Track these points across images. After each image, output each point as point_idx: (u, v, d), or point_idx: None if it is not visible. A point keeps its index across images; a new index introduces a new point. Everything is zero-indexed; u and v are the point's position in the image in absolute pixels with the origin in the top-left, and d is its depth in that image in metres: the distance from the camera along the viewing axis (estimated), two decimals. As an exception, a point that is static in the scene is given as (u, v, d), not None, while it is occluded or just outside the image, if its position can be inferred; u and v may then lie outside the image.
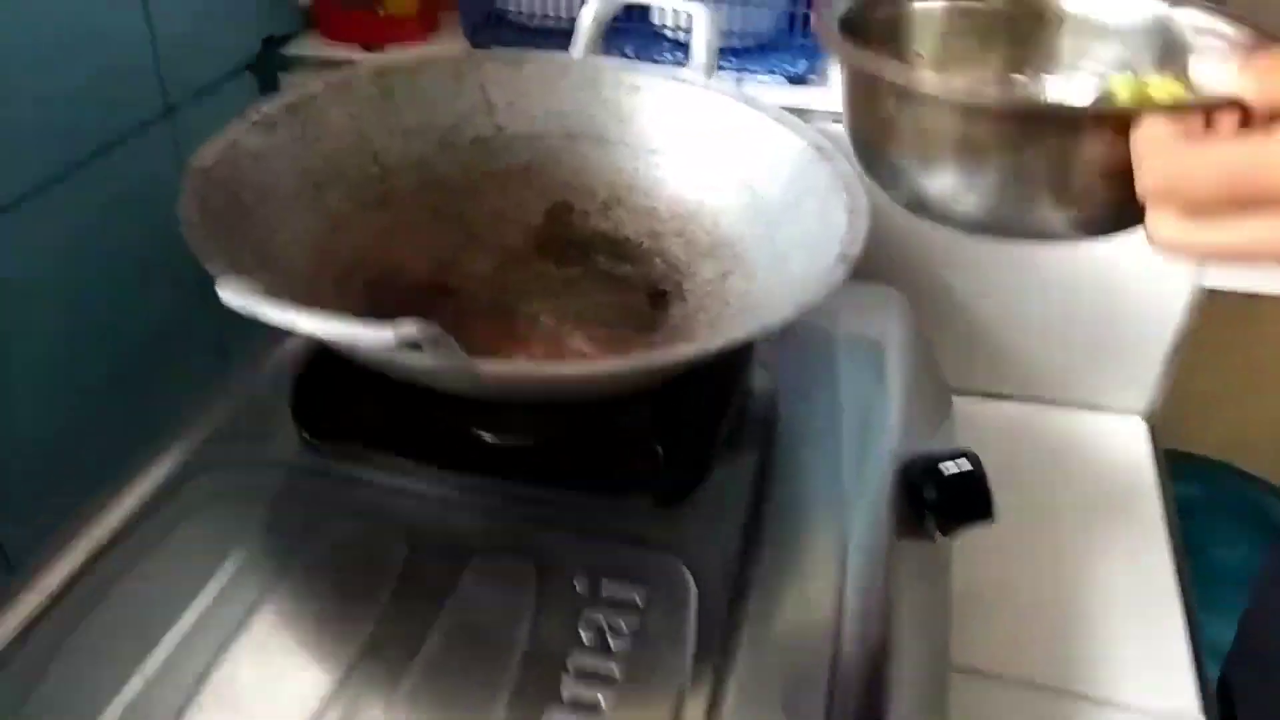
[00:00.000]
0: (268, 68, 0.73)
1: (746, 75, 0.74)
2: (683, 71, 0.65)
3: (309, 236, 0.55)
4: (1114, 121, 0.37)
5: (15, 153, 0.54)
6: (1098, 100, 0.47)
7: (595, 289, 0.62)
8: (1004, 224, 0.42)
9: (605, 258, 0.64)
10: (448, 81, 0.64)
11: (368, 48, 0.74)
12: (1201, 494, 1.19)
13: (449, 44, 0.76)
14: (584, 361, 0.40)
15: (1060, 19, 0.50)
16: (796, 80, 0.73)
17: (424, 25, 0.76)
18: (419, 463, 0.49)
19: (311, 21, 0.76)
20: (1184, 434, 1.04)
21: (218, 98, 0.69)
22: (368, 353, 0.37)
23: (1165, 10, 0.47)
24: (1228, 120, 0.35)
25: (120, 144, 0.61)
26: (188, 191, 0.47)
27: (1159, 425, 0.80)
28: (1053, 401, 0.81)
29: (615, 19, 0.69)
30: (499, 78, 0.65)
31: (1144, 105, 0.38)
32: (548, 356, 0.58)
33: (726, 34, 0.73)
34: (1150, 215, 0.36)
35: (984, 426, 0.80)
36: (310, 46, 0.74)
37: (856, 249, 0.48)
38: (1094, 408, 0.80)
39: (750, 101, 0.62)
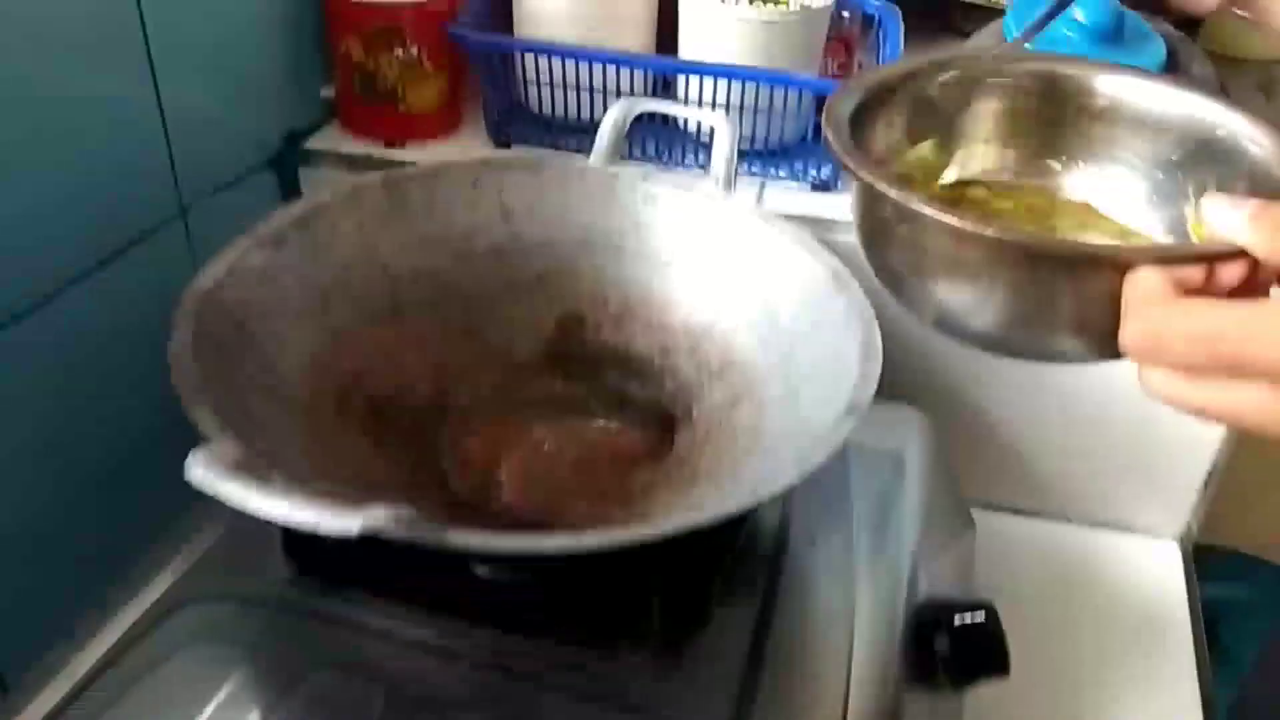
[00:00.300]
0: (288, 163, 0.73)
1: (769, 179, 0.73)
2: (701, 183, 0.64)
3: (312, 355, 0.54)
4: (1109, 262, 0.35)
5: (11, 263, 0.53)
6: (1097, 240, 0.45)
7: (602, 409, 0.60)
8: (1013, 345, 0.41)
9: (615, 374, 0.62)
10: (464, 189, 0.64)
11: (389, 143, 0.74)
12: (1241, 594, 1.14)
13: (470, 140, 0.76)
14: (567, 536, 0.38)
15: (1093, 105, 0.48)
16: (819, 186, 0.72)
17: (446, 121, 0.75)
18: (408, 606, 0.48)
19: (334, 111, 0.76)
20: (1223, 528, 1.00)
21: (236, 194, 0.69)
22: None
23: (1204, 108, 0.45)
24: (1231, 271, 0.34)
25: (129, 249, 0.60)
26: (180, 325, 0.46)
27: (1190, 547, 0.77)
28: (1082, 521, 0.78)
29: (639, 115, 0.68)
30: (516, 184, 0.64)
31: (1139, 254, 0.36)
32: (549, 487, 0.56)
33: (749, 138, 0.72)
34: (1139, 367, 0.35)
35: (1009, 544, 0.77)
36: (332, 140, 0.74)
37: (865, 399, 0.46)
38: (1125, 529, 0.77)
39: (769, 220, 0.60)
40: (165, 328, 0.51)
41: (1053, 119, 0.48)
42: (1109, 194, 0.47)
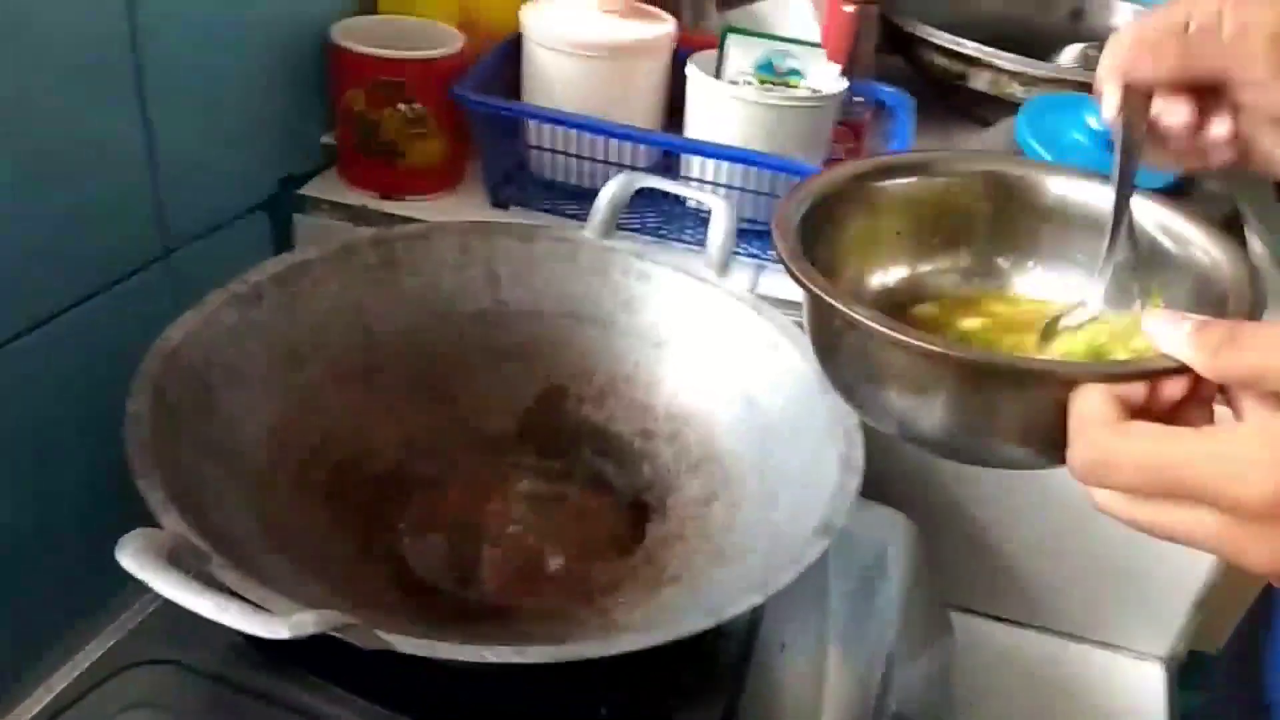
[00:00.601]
0: (282, 208, 0.72)
1: (767, 262, 0.71)
2: (696, 264, 0.62)
3: (276, 420, 0.53)
4: (1054, 379, 0.36)
5: None
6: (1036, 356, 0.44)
7: (575, 489, 0.59)
8: (964, 453, 0.41)
9: (592, 452, 0.61)
10: (453, 252, 0.62)
11: (387, 196, 0.73)
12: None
13: (469, 198, 0.74)
14: (511, 649, 0.36)
15: (1042, 204, 0.48)
16: (819, 273, 0.70)
17: (446, 177, 0.74)
18: (352, 693, 0.46)
19: (333, 157, 0.75)
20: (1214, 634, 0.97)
21: (226, 237, 0.67)
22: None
23: (1152, 211, 0.44)
24: (1173, 387, 0.34)
25: (110, 288, 0.59)
26: (139, 388, 0.44)
27: (1176, 668, 0.75)
28: (1067, 635, 0.75)
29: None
30: (507, 251, 0.63)
31: (1081, 372, 0.36)
32: (511, 574, 0.54)
33: (749, 219, 0.71)
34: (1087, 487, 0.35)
35: (991, 652, 0.75)
36: (329, 188, 0.73)
37: (839, 518, 0.44)
38: (1110, 646, 0.75)
39: (761, 310, 0.59)
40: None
41: (1001, 217, 0.48)
42: (1065, 293, 0.47)
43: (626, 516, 0.57)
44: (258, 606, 0.32)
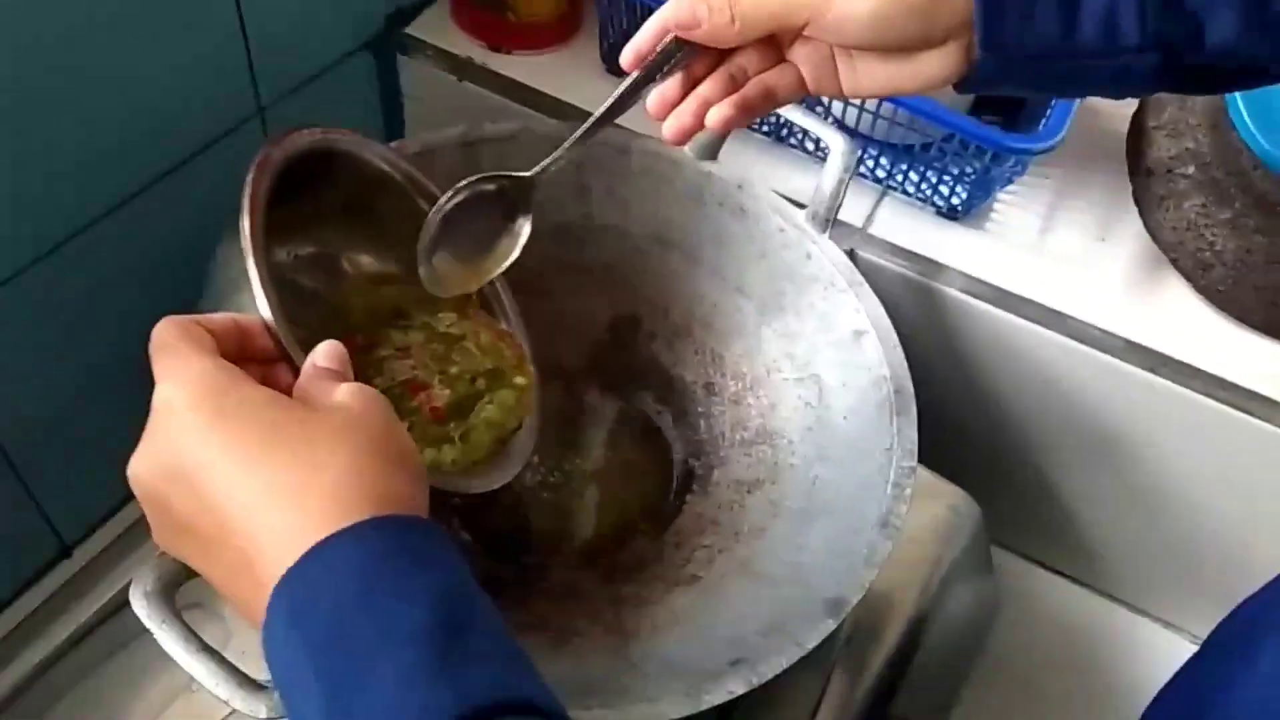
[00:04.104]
0: (388, 49, 0.68)
1: (889, 190, 0.64)
2: (799, 215, 0.56)
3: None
4: None
5: (81, 169, 0.51)
6: None
7: (627, 437, 0.58)
8: None
9: (652, 398, 0.59)
10: (541, 156, 0.58)
11: (495, 48, 0.67)
12: None
13: (580, 58, 0.68)
14: None
15: None
16: (945, 213, 0.63)
17: (557, 33, 0.67)
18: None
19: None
20: None
21: (325, 84, 0.64)
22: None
23: None
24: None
25: (204, 150, 0.58)
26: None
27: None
28: (1118, 600, 0.74)
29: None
30: (601, 164, 0.58)
31: None
32: (546, 526, 0.56)
33: (874, 127, 0.63)
34: None
35: (1038, 600, 0.74)
36: (436, 29, 0.68)
37: (854, 597, 0.43)
38: (1157, 619, 0.73)
39: (856, 288, 0.54)
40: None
41: None
42: None
43: (673, 479, 0.57)
44: (245, 679, 0.35)
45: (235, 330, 0.35)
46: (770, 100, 0.41)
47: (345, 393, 0.32)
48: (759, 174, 0.61)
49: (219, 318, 0.35)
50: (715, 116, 0.40)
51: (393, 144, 0.57)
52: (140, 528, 0.61)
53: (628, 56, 0.41)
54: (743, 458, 0.55)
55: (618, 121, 0.55)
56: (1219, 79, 0.37)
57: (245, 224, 0.38)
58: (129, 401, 0.58)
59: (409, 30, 0.68)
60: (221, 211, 0.59)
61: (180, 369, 0.31)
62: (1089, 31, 0.35)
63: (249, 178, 0.40)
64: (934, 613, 0.60)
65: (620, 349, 0.60)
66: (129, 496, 0.61)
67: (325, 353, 0.35)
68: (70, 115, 0.50)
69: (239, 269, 0.38)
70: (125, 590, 0.49)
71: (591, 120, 0.43)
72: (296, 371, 0.35)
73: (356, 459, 0.30)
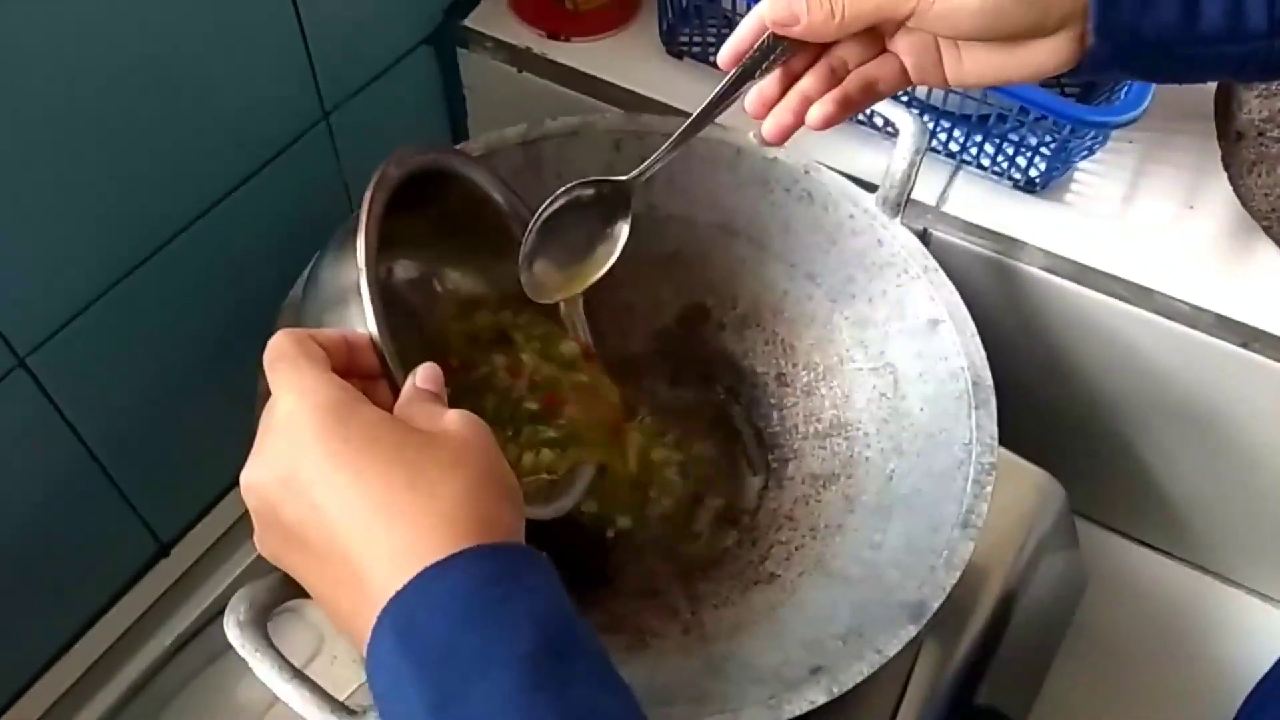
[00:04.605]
0: (447, 42, 0.67)
1: (964, 165, 0.62)
2: (869, 199, 0.55)
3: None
4: None
5: (152, 190, 0.52)
6: None
7: (698, 430, 0.58)
8: None
9: (724, 390, 0.59)
10: (605, 151, 0.58)
11: (553, 36, 0.66)
12: None
13: (640, 38, 0.66)
14: None
15: None
16: (1023, 186, 0.61)
17: (615, 17, 0.66)
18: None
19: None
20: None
21: (388, 83, 0.64)
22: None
23: None
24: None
25: (273, 160, 0.59)
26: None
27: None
28: (1205, 569, 0.72)
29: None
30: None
31: None
32: (628, 497, 0.56)
33: (951, 110, 0.60)
34: None
35: (1124, 573, 0.73)
36: (494, 20, 0.67)
37: (935, 602, 0.42)
38: (1252, 591, 0.71)
39: (930, 275, 0.52)
40: (306, 233, 0.50)
41: None
42: None
43: (743, 475, 0.56)
44: (338, 705, 0.36)
45: (345, 347, 0.36)
46: (871, 94, 0.40)
47: (456, 420, 0.33)
48: (826, 153, 0.59)
49: (331, 334, 0.36)
50: (816, 114, 0.40)
51: (457, 147, 0.57)
52: (238, 528, 0.63)
53: (725, 55, 0.40)
54: (817, 450, 0.55)
55: (692, 73, 0.54)
56: None
57: (361, 241, 0.39)
58: (210, 402, 0.61)
59: (467, 23, 0.67)
60: (295, 218, 0.61)
61: (301, 383, 0.32)
62: (1213, 17, 0.33)
63: (367, 194, 0.40)
64: (1019, 597, 0.59)
65: (689, 340, 0.60)
66: (221, 493, 0.64)
67: (425, 374, 0.36)
68: (153, 132, 0.51)
69: (348, 282, 0.38)
70: (225, 595, 0.52)
71: (689, 122, 0.42)
72: (395, 389, 0.36)
73: (469, 487, 0.31)
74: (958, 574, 0.43)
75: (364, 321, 0.37)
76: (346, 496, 0.30)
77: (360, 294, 0.37)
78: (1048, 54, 0.35)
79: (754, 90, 0.40)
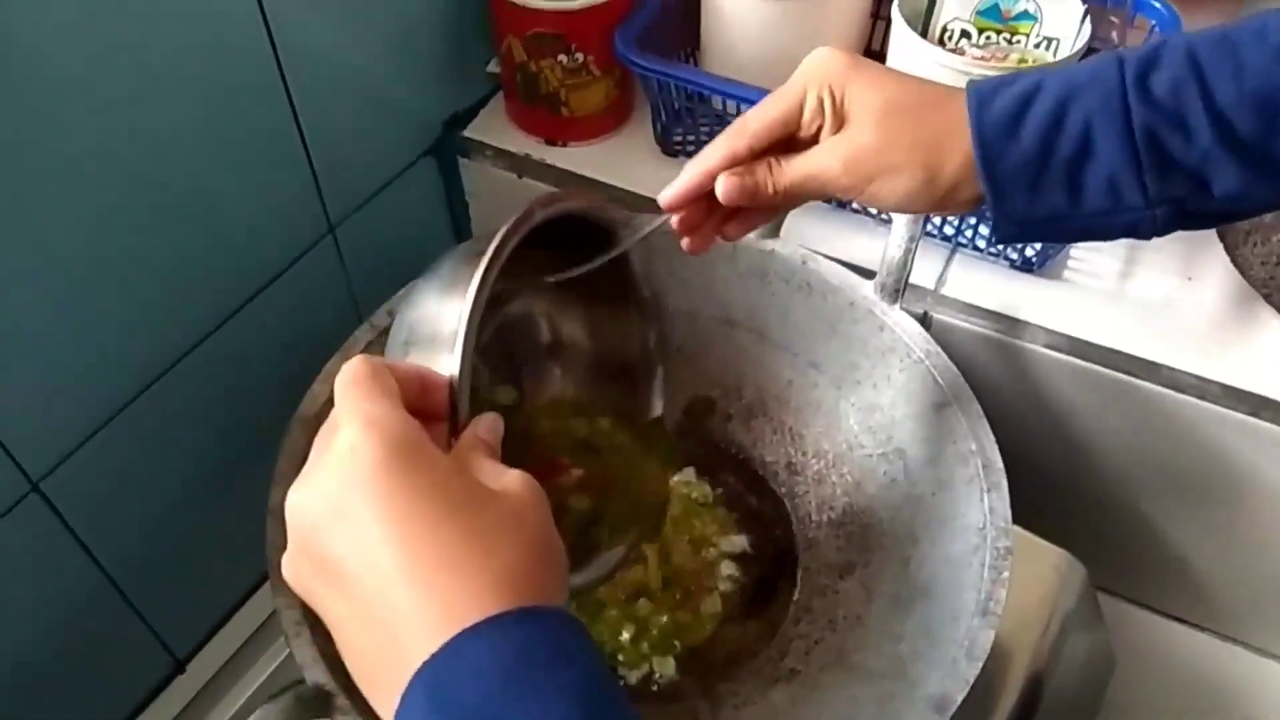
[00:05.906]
0: (448, 151, 0.69)
1: (960, 248, 0.62)
2: (867, 286, 0.56)
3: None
4: None
5: (165, 307, 0.53)
6: None
7: (722, 522, 0.57)
8: None
9: (737, 481, 0.59)
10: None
11: (551, 142, 0.68)
12: None
13: (635, 138, 0.68)
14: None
15: None
16: (1020, 266, 0.61)
17: (610, 120, 0.68)
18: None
19: (498, 84, 0.70)
20: None
21: (392, 194, 0.66)
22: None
23: None
24: None
25: (281, 274, 0.60)
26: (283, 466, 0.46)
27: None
28: (1234, 640, 0.70)
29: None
30: (662, 247, 0.59)
31: None
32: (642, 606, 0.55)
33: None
34: None
35: (1152, 648, 0.71)
36: (493, 129, 0.69)
37: (958, 695, 0.41)
38: (1276, 657, 0.69)
39: (932, 360, 0.53)
40: (315, 345, 0.52)
41: None
42: None
43: (761, 568, 0.56)
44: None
45: (418, 384, 0.35)
46: (791, 202, 0.44)
47: (517, 481, 0.32)
48: (823, 242, 0.60)
49: (408, 369, 0.35)
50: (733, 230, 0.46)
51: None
52: (253, 642, 0.62)
53: (667, 198, 0.44)
54: (832, 539, 0.54)
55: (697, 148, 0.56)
56: (1238, 215, 0.40)
57: (477, 279, 0.36)
58: (221, 517, 0.61)
59: (467, 133, 0.69)
60: (302, 330, 0.62)
61: (371, 413, 0.31)
62: (1094, 199, 0.38)
63: (503, 230, 0.37)
64: (1046, 680, 0.58)
65: (697, 432, 0.60)
66: (235, 606, 0.64)
67: (489, 426, 0.35)
68: (161, 254, 0.52)
69: (448, 318, 0.36)
70: (242, 711, 0.51)
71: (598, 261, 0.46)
72: (454, 433, 0.35)
73: (523, 548, 0.30)
74: (979, 665, 0.42)
75: (451, 363, 0.35)
76: (402, 537, 0.29)
77: (458, 335, 0.35)
78: (957, 209, 0.42)
79: (677, 219, 0.45)
